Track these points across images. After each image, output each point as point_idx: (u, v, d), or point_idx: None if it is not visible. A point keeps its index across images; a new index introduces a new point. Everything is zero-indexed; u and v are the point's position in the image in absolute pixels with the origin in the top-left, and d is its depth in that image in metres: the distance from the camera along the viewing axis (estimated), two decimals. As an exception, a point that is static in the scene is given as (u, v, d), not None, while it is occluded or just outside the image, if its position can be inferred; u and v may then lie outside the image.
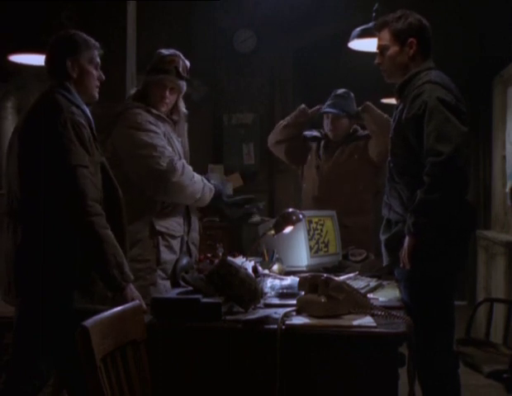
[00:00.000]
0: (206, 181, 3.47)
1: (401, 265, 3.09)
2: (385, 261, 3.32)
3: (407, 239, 3.05)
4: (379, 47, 3.27)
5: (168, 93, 3.46)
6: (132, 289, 2.79)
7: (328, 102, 4.53)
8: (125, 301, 2.68)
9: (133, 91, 3.64)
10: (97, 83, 2.97)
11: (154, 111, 3.43)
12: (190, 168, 3.40)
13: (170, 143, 3.44)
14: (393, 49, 3.21)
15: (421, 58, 3.21)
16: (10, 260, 2.80)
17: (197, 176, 3.43)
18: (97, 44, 2.98)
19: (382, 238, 3.30)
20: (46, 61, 2.93)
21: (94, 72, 2.93)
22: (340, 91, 4.53)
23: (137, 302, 2.61)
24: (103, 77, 2.99)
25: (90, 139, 2.81)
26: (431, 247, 3.04)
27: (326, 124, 4.55)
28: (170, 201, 3.40)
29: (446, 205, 2.99)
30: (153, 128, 3.33)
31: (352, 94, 4.55)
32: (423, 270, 3.07)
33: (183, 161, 3.40)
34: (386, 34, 3.23)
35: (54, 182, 2.70)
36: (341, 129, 4.52)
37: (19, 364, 2.87)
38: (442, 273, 3.10)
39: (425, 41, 3.23)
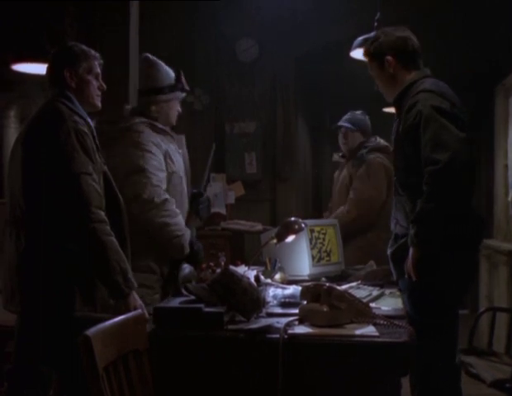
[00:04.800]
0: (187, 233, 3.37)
1: (406, 276, 3.09)
2: (394, 275, 3.31)
3: (411, 250, 3.05)
4: (371, 72, 3.37)
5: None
6: (135, 296, 2.79)
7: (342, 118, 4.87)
8: (127, 309, 2.68)
9: (129, 107, 3.67)
10: (98, 92, 2.99)
11: (160, 126, 3.44)
12: (171, 207, 3.31)
13: (171, 159, 3.42)
14: (376, 72, 3.30)
15: (405, 72, 3.24)
16: (13, 268, 2.80)
17: (179, 220, 3.34)
18: (97, 54, 3.01)
19: (389, 251, 3.30)
20: (47, 72, 2.98)
21: (94, 81, 2.96)
22: (357, 111, 4.88)
23: (139, 311, 2.62)
24: (104, 86, 3.02)
25: (93, 147, 2.83)
26: (435, 258, 3.04)
27: (340, 138, 4.87)
28: (150, 233, 3.30)
29: (446, 212, 2.98)
30: (152, 149, 3.32)
31: (367, 116, 4.89)
32: (427, 281, 3.06)
33: (167, 197, 3.30)
34: (368, 61, 3.34)
35: (58, 190, 2.71)
36: (353, 143, 4.81)
37: (21, 371, 2.87)
38: (446, 284, 3.09)
39: (405, 54, 3.24)
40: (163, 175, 3.32)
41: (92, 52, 2.99)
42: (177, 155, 3.51)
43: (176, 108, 3.54)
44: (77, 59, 2.92)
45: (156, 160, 3.30)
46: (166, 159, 3.39)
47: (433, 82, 3.17)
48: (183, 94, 3.57)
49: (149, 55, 3.54)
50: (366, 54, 3.35)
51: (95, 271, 2.77)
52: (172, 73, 3.52)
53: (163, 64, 3.53)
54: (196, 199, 3.52)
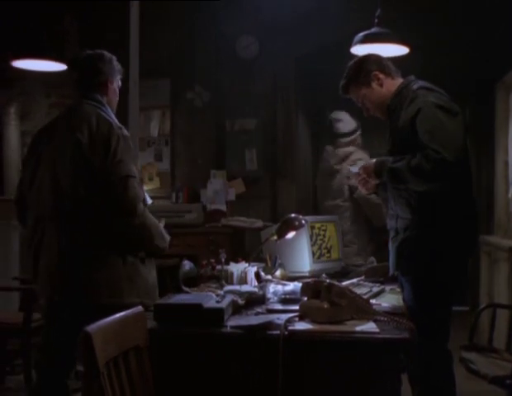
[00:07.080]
0: None
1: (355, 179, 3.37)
2: (392, 269, 3.33)
3: (376, 165, 3.22)
4: (358, 103, 3.47)
5: None
6: None
7: None
8: None
9: None
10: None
11: None
12: None
13: None
14: (367, 92, 3.39)
15: (392, 80, 3.39)
16: (55, 262, 2.92)
17: None
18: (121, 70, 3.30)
19: (393, 246, 3.29)
20: (85, 75, 3.15)
21: (117, 93, 3.26)
22: None
23: (139, 308, 2.60)
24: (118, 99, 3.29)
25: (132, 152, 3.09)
26: (434, 252, 3.10)
27: None
28: None
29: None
30: None
31: None
32: (427, 270, 3.11)
33: None
34: (354, 90, 3.43)
35: (108, 191, 2.89)
36: None
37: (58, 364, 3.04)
38: (445, 276, 3.14)
39: (386, 66, 3.42)
40: None
41: (120, 67, 3.28)
42: None
43: None
44: (118, 72, 3.22)
45: None
46: None
47: (426, 83, 3.28)
48: None
49: None
50: (350, 82, 3.42)
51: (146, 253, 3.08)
52: None
53: None
54: None
